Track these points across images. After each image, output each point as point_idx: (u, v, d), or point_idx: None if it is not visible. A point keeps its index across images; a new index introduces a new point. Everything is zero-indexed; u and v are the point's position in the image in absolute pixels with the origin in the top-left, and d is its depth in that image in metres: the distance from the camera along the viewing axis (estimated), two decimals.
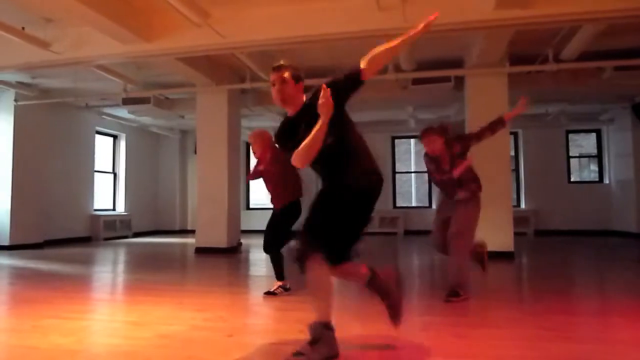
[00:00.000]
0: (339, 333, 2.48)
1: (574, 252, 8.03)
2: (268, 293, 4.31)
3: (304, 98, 2.75)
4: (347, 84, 2.62)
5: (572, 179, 11.83)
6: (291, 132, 2.68)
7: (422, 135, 4.19)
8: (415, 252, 8.32)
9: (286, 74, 2.69)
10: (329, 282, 2.55)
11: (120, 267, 6.87)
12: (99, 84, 8.45)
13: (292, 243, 2.62)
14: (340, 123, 2.61)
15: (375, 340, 2.80)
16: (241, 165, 10.46)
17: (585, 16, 4.88)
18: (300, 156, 2.57)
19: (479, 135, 4.23)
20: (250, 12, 5.45)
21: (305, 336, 2.77)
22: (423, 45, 6.51)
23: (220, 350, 2.64)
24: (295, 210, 4.29)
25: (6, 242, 8.43)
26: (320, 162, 2.63)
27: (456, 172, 4.07)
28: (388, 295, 2.78)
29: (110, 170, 11.90)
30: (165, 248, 9.37)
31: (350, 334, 2.96)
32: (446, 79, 7.43)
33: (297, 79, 2.73)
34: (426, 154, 4.28)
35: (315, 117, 2.49)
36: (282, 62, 2.78)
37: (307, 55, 6.96)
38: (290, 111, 2.74)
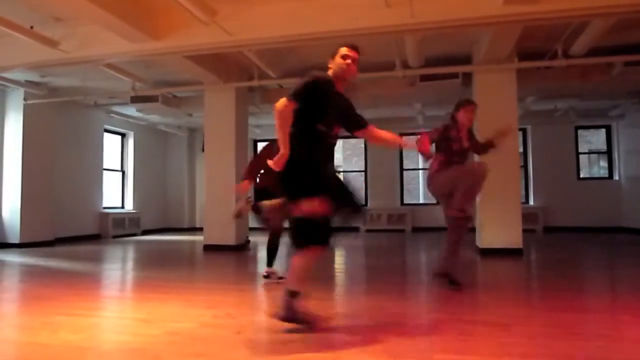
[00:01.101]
0: (347, 328, 2.48)
1: (583, 249, 7.98)
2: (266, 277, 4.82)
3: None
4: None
5: (581, 176, 11.75)
6: (331, 98, 3.01)
7: (469, 103, 4.40)
8: (423, 249, 8.30)
9: (358, 56, 3.11)
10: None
11: (129, 264, 6.92)
12: (107, 83, 8.50)
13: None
14: None
15: (381, 337, 2.79)
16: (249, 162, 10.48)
17: (594, 11, 4.83)
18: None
19: (475, 147, 4.49)
20: (257, 9, 5.45)
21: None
22: (431, 42, 6.49)
23: (228, 347, 2.65)
24: None
25: (16, 240, 8.51)
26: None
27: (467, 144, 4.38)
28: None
29: (119, 169, 11.97)
30: (174, 245, 9.42)
31: (356, 330, 2.96)
32: (454, 76, 7.40)
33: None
34: (450, 127, 4.38)
35: (341, 109, 3.09)
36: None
37: (314, 52, 6.95)
38: (339, 86, 3.08)
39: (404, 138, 3.67)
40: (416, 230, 11.67)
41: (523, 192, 11.65)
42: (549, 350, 2.52)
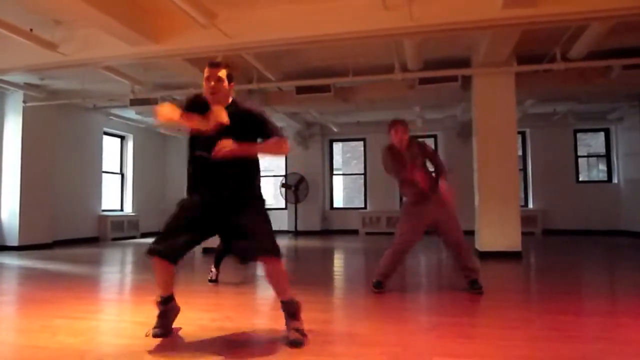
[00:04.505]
0: (346, 331, 2.47)
1: (582, 252, 7.98)
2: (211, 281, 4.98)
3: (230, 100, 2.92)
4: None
5: (580, 179, 11.76)
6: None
7: (396, 124, 4.19)
8: (421, 251, 8.29)
9: (222, 73, 2.83)
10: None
11: (128, 267, 6.91)
12: (106, 86, 8.50)
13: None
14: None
15: (380, 339, 2.79)
16: None
17: (593, 14, 4.85)
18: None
19: (433, 160, 4.30)
20: (256, 12, 5.46)
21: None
22: (430, 45, 6.50)
23: (227, 350, 2.64)
24: None
25: (15, 243, 8.50)
26: None
27: (416, 175, 4.07)
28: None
29: (118, 171, 11.97)
30: None
31: (355, 332, 2.96)
32: (453, 79, 7.40)
33: (230, 79, 2.89)
34: (389, 150, 4.22)
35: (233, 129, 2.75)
36: (219, 59, 2.95)
37: (313, 55, 6.96)
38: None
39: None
40: None
41: (522, 195, 11.66)
42: (549, 353, 2.52)
